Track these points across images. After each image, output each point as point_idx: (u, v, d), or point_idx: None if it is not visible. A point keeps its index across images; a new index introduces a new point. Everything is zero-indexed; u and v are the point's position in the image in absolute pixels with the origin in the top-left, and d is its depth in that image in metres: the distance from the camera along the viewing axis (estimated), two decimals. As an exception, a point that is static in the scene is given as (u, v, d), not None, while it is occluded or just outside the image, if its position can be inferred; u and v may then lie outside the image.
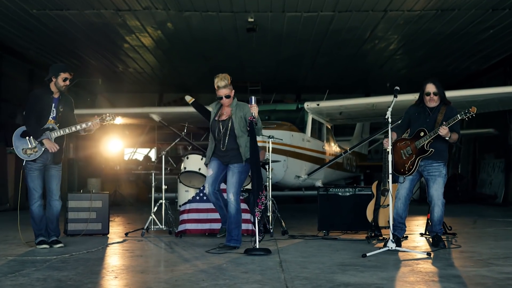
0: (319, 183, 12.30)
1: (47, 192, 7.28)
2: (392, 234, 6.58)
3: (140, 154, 23.32)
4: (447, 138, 6.98)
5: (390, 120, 6.55)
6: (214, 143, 7.06)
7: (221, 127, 7.01)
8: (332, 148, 13.55)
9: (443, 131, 6.85)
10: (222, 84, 7.00)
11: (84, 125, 7.12)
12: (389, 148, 6.60)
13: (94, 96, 22.28)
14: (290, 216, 12.06)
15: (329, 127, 13.53)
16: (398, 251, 6.45)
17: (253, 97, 6.81)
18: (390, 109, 6.58)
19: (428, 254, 6.23)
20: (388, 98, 11.66)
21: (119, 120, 7.15)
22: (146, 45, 15.72)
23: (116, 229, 9.57)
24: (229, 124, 6.98)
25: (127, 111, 14.34)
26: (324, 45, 15.60)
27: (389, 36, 14.86)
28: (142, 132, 21.46)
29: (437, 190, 7.16)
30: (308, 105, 12.02)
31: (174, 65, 18.51)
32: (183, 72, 19.53)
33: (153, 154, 22.45)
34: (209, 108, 7.29)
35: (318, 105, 11.92)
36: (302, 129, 11.86)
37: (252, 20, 12.95)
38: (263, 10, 12.61)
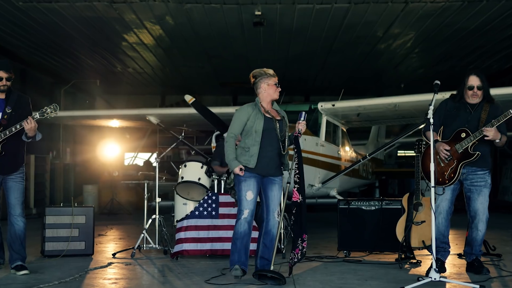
0: (334, 192, 11.14)
1: (7, 208, 6.12)
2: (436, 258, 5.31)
3: (140, 159, 22.22)
4: (497, 141, 5.78)
5: (432, 120, 5.34)
6: (259, 146, 5.71)
7: (278, 126, 5.82)
8: (348, 153, 12.35)
9: (490, 132, 5.66)
10: (271, 72, 5.93)
11: (18, 126, 5.91)
12: (432, 153, 5.39)
13: (92, 99, 21.37)
14: (302, 228, 10.84)
15: (345, 130, 12.33)
16: (443, 282, 5.22)
17: (303, 113, 5.83)
18: (431, 107, 5.38)
19: (482, 286, 5.01)
20: (410, 98, 10.64)
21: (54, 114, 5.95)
22: (145, 42, 14.73)
23: (104, 247, 8.36)
24: (285, 125, 5.91)
25: (122, 112, 13.25)
26: (336, 42, 14.56)
27: (407, 32, 13.81)
28: (143, 135, 20.43)
29: (482, 204, 5.96)
30: (322, 106, 10.81)
31: (176, 65, 17.52)
32: (186, 72, 18.55)
33: (154, 159, 21.34)
34: (246, 107, 5.88)
35: (333, 105, 10.70)
36: (316, 132, 10.67)
37: (260, 13, 11.88)
38: (272, 2, 11.54)
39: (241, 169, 5.64)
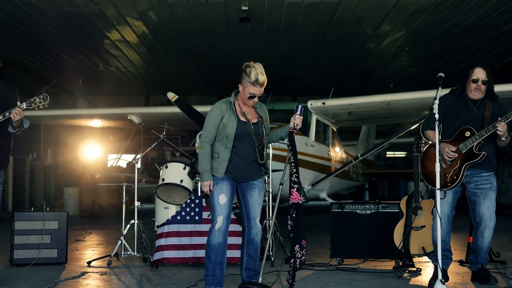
0: (324, 195, 10.70)
1: None
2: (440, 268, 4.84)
3: (124, 160, 21.66)
4: (503, 139, 5.31)
5: (437, 116, 4.86)
6: (229, 153, 5.02)
7: (253, 131, 5.10)
8: (338, 154, 11.88)
9: (504, 127, 5.20)
10: (262, 79, 5.08)
11: (1, 117, 5.33)
12: (437, 151, 4.92)
13: (75, 99, 20.78)
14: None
15: (335, 129, 11.86)
16: (449, 294, 4.75)
17: (299, 106, 5.09)
18: (436, 101, 4.93)
19: (492, 300, 4.56)
20: (405, 96, 10.18)
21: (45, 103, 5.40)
22: (128, 40, 14.17)
23: (80, 254, 7.81)
24: (262, 129, 5.16)
25: (103, 111, 12.71)
26: (325, 39, 14.09)
27: (398, 29, 13.36)
28: (127, 136, 19.89)
29: (489, 208, 5.49)
30: (312, 104, 10.33)
31: (160, 64, 16.99)
32: (170, 72, 18.02)
33: (134, 160, 20.80)
34: (220, 105, 5.12)
35: (323, 104, 10.23)
36: (305, 132, 10.19)
37: (246, 8, 11.41)
38: (259, -4, 11.04)
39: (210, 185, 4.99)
